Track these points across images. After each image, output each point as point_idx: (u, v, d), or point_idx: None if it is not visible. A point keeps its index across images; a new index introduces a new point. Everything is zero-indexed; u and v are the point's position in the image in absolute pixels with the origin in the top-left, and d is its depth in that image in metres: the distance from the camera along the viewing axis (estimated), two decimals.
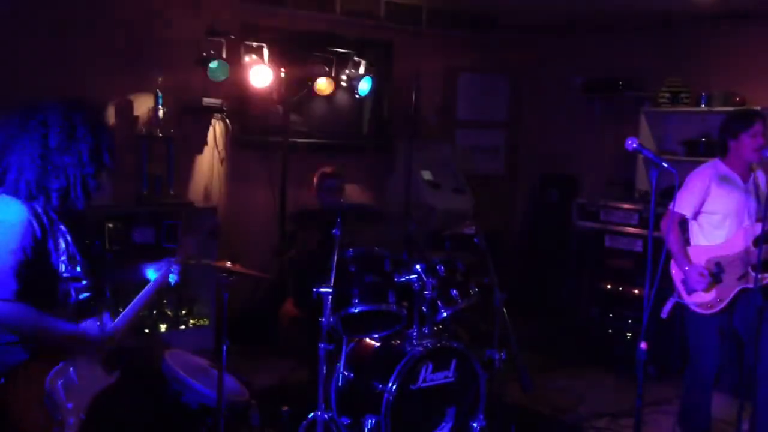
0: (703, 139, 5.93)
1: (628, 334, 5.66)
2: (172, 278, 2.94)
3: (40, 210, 2.65)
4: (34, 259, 2.59)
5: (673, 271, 4.08)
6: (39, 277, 2.62)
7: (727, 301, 3.97)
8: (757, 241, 3.82)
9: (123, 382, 2.94)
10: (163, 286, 2.93)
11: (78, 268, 2.72)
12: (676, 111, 6.17)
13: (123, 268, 3.14)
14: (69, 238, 2.72)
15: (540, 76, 7.40)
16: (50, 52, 4.91)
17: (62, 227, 2.71)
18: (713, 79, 6.00)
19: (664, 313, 4.09)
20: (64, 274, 2.69)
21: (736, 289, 3.96)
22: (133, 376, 3.53)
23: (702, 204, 4.02)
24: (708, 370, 4.12)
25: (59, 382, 2.63)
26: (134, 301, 2.87)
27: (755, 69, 5.83)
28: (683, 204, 4.00)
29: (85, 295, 2.76)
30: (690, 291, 4.01)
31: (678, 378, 4.51)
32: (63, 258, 2.68)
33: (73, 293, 2.73)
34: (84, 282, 2.75)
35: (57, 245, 2.67)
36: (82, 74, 5.01)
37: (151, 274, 3.01)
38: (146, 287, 2.91)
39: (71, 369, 2.66)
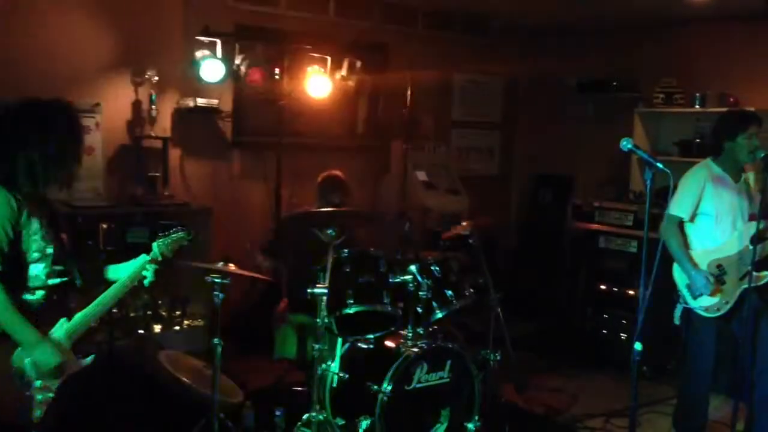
0: (697, 140, 5.94)
1: (623, 335, 5.67)
2: (148, 275, 2.95)
3: (15, 191, 2.74)
4: (12, 237, 2.69)
5: (677, 277, 4.08)
6: (13, 256, 2.71)
7: (732, 302, 3.96)
8: (755, 240, 3.82)
9: (117, 382, 2.95)
10: (134, 284, 2.96)
11: (48, 250, 2.79)
12: (669, 111, 6.18)
13: (97, 263, 3.14)
14: (44, 221, 2.79)
15: (534, 77, 7.41)
16: (44, 52, 4.90)
17: (37, 209, 2.78)
18: (707, 80, 6.01)
19: (677, 319, 4.09)
20: (35, 254, 2.76)
21: (740, 290, 3.95)
22: (127, 377, 3.53)
23: (697, 205, 4.02)
24: (704, 370, 4.13)
25: (27, 359, 2.70)
26: (103, 294, 2.90)
27: (749, 70, 5.85)
28: (680, 207, 4.00)
29: (55, 280, 2.82)
30: (696, 295, 4.01)
31: (673, 378, 4.52)
32: (35, 237, 2.76)
33: (44, 277, 2.79)
34: (54, 267, 2.81)
35: (30, 224, 2.75)
36: (76, 75, 5.00)
37: (124, 271, 3.01)
38: (119, 281, 2.94)
39: None
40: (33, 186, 2.76)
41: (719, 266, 3.98)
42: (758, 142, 3.94)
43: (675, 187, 3.96)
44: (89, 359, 2.83)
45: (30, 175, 2.74)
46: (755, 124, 3.95)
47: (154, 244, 3.03)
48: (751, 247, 3.86)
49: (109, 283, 2.97)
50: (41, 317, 2.76)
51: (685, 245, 4.09)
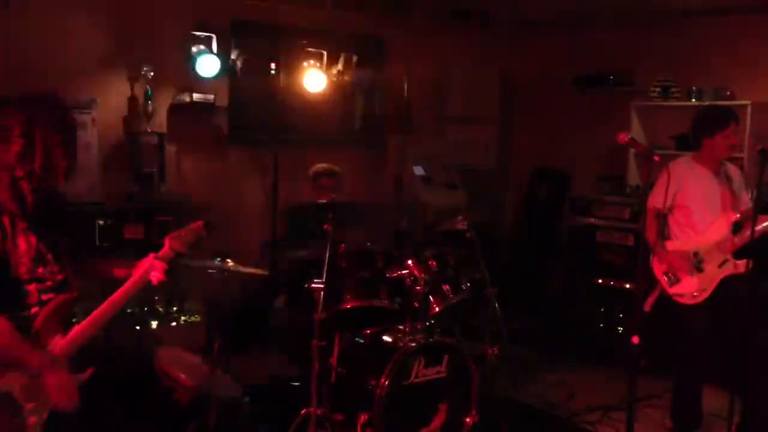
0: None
1: (620, 329, 5.67)
2: (155, 276, 2.78)
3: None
4: None
5: (654, 265, 4.13)
6: (2, 279, 2.57)
7: (710, 290, 4.04)
8: (735, 229, 4.00)
9: (115, 378, 2.91)
10: (143, 284, 2.78)
11: (40, 269, 2.64)
12: (666, 105, 6.18)
13: (99, 266, 2.98)
14: (33, 238, 2.64)
15: (531, 71, 7.40)
16: (39, 49, 4.88)
17: (25, 226, 2.63)
18: (703, 74, 6.01)
19: (647, 305, 4.14)
20: (24, 276, 2.61)
21: (719, 278, 4.04)
22: (124, 373, 3.51)
23: (675, 198, 4.09)
24: (697, 362, 4.15)
25: (17, 384, 2.56)
26: (105, 303, 2.74)
27: (745, 64, 5.84)
28: (657, 198, 4.04)
29: (50, 295, 2.66)
30: (673, 282, 4.06)
31: (669, 372, 4.53)
32: (23, 260, 2.61)
33: (37, 294, 2.64)
34: (48, 283, 2.67)
35: (17, 247, 2.60)
36: (72, 71, 4.98)
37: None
38: (124, 285, 2.79)
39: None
40: (19, 207, 2.60)
41: (696, 254, 4.07)
42: (736, 140, 4.13)
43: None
44: (86, 375, 2.69)
45: (14, 196, 2.58)
46: (733, 123, 4.07)
47: (166, 240, 2.83)
48: (730, 236, 4.02)
49: (114, 283, 2.84)
50: (39, 334, 2.63)
51: (670, 236, 4.20)
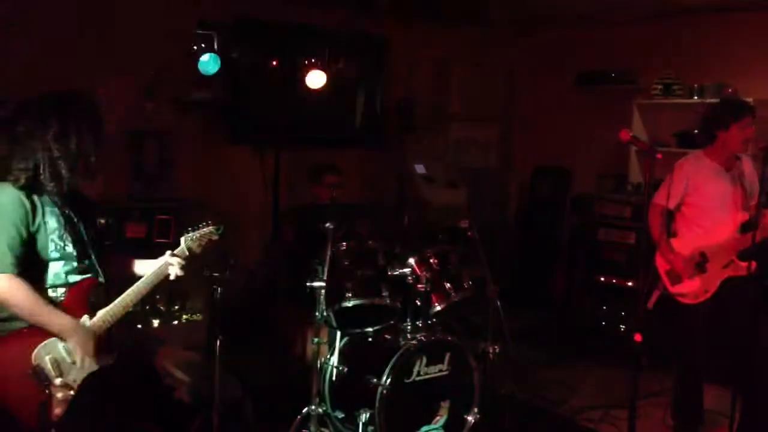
0: (696, 131, 5.93)
1: (622, 327, 5.67)
2: (173, 271, 2.96)
3: (29, 191, 2.72)
4: (26, 237, 2.68)
5: (658, 262, 4.11)
6: (29, 255, 2.69)
7: (712, 290, 4.01)
8: (743, 229, 3.91)
9: (116, 376, 2.94)
10: (163, 276, 2.96)
11: (68, 248, 2.76)
12: (668, 103, 6.17)
13: (121, 261, 3.13)
14: (63, 219, 2.77)
15: (532, 69, 7.39)
16: (39, 47, 4.88)
17: (56, 209, 2.76)
18: (705, 71, 6.00)
19: (650, 303, 4.11)
20: (53, 253, 2.74)
21: (722, 278, 4.00)
22: (126, 372, 3.52)
23: (684, 196, 4.05)
24: (698, 360, 4.14)
25: (47, 357, 2.67)
26: (128, 291, 2.90)
27: (747, 61, 5.83)
28: (664, 195, 4.01)
29: (76, 278, 2.79)
30: (675, 282, 4.04)
31: (671, 370, 4.53)
32: (52, 237, 2.73)
33: (64, 275, 2.76)
34: (75, 264, 2.78)
35: (46, 224, 2.72)
36: (72, 69, 4.98)
37: (149, 267, 3.01)
38: (143, 278, 2.94)
39: (61, 345, 2.71)
40: (57, 185, 2.73)
41: (702, 254, 4.02)
42: (752, 132, 3.96)
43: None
44: (106, 360, 2.82)
45: (53, 174, 2.71)
46: (749, 115, 3.96)
47: (182, 239, 3.02)
48: (738, 237, 3.94)
49: (134, 278, 2.96)
50: (66, 312, 2.74)
51: (676, 232, 4.15)
